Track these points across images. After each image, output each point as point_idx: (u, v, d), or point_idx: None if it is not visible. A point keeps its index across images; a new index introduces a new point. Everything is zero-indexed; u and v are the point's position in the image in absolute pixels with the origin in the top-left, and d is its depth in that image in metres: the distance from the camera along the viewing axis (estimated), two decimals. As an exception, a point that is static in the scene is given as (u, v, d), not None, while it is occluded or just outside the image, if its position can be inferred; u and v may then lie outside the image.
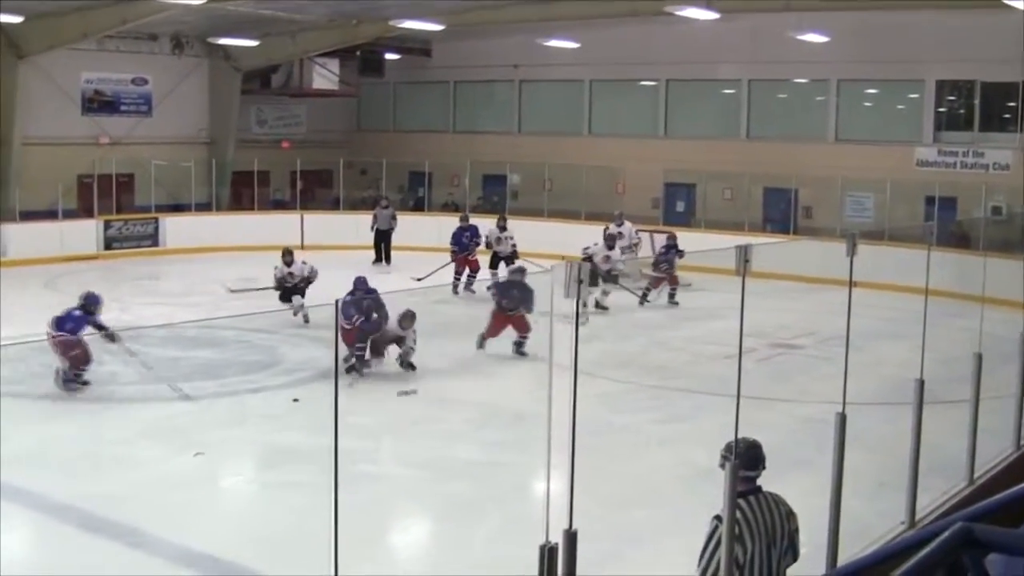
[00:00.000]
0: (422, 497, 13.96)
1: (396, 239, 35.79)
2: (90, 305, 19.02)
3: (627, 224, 31.17)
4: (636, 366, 20.98)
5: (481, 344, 21.34)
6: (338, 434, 5.14)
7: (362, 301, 18.82)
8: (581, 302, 6.45)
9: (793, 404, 16.99)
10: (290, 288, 24.96)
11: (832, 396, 9.20)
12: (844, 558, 8.62)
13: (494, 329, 21.40)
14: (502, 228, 29.86)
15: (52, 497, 13.18)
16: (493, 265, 29.74)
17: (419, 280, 28.96)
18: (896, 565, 3.56)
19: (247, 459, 15.80)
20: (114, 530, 12.23)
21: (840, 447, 8.89)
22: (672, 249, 27.92)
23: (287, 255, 25.60)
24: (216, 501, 13.95)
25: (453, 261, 29.79)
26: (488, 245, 29.92)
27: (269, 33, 39.16)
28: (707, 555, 7.56)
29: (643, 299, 27.50)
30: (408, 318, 19.13)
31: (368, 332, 19.12)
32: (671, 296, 27.92)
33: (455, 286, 29.31)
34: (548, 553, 6.15)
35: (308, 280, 25.16)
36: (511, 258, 29.01)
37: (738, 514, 7.51)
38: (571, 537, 6.23)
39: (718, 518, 7.54)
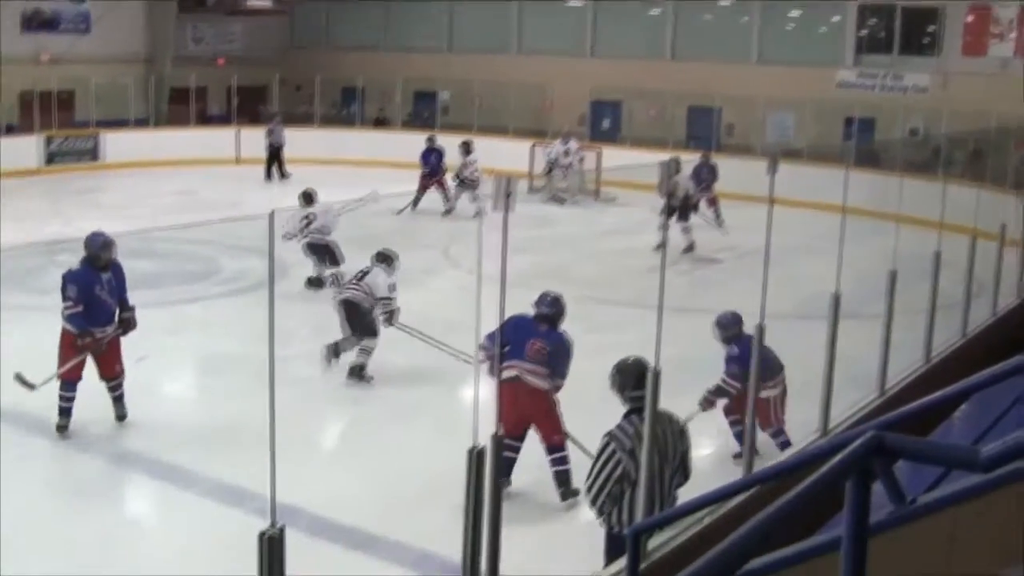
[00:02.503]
0: (357, 402, 14.36)
1: (327, 152, 36.29)
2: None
3: (572, 142, 31.55)
4: (562, 278, 21.28)
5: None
6: (273, 341, 5.42)
7: (92, 276, 12.95)
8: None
9: (713, 316, 17.36)
10: None
11: (751, 309, 9.43)
12: (760, 465, 8.93)
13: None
14: (466, 152, 29.56)
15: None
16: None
17: (400, 211, 28.75)
18: (810, 471, 3.69)
19: (185, 366, 16.16)
20: (51, 432, 12.62)
21: (758, 358, 9.14)
22: (705, 168, 27.41)
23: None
24: (156, 405, 14.27)
25: (423, 180, 29.81)
26: (457, 175, 29.72)
27: (204, -50, 39.05)
28: (595, 471, 7.83)
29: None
30: None
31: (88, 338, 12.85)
32: (719, 217, 26.89)
33: (415, 202, 29.29)
34: (476, 456, 6.30)
35: None
36: (475, 184, 29.15)
37: (630, 430, 7.76)
38: (498, 441, 6.33)
39: (610, 435, 7.82)
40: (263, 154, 36.32)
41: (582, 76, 38.89)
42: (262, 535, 4.55)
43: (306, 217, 19.95)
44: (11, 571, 9.40)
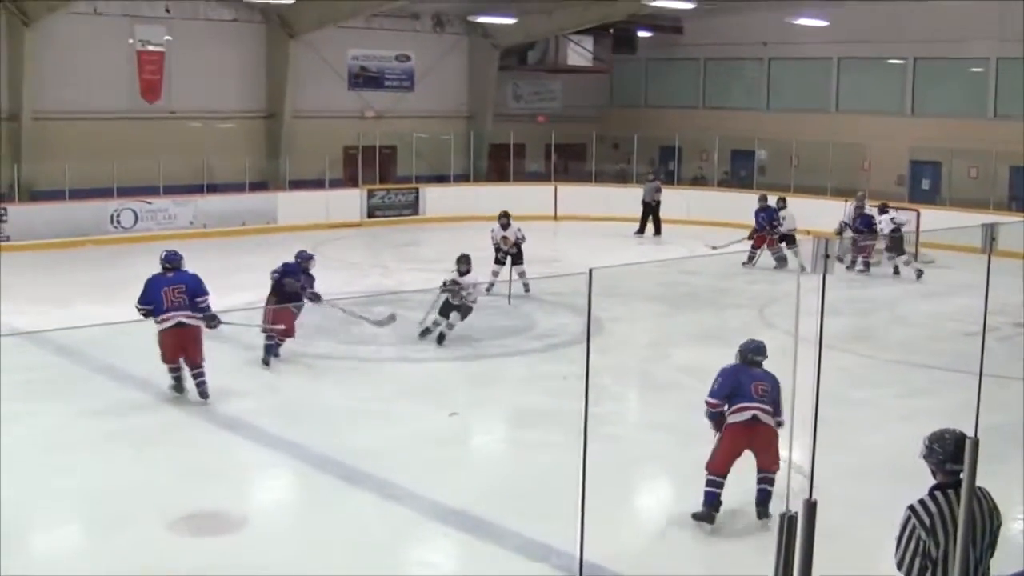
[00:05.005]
0: (664, 461, 14.32)
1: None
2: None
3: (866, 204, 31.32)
4: (876, 341, 21.00)
5: None
6: (588, 396, 5.39)
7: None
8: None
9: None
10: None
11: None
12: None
13: None
14: (780, 207, 30.14)
15: (313, 449, 13.94)
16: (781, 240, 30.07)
17: (714, 248, 29.44)
18: None
19: (498, 419, 16.39)
20: (369, 482, 12.92)
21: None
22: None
23: (503, 217, 25.80)
24: (467, 458, 14.54)
25: (751, 239, 30.06)
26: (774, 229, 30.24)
27: (526, 11, 40.00)
28: (901, 545, 7.38)
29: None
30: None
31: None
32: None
33: (750, 257, 29.57)
34: (788, 522, 6.15)
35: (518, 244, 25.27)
36: (791, 239, 29.53)
37: (933, 508, 7.28)
38: (811, 507, 6.00)
39: (911, 509, 7.36)
40: (580, 211, 36.95)
41: (901, 135, 38.09)
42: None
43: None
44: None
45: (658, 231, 36.06)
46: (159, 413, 15.59)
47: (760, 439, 11.81)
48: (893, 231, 28.64)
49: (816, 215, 31.07)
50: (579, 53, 45.64)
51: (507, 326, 21.48)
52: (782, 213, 29.82)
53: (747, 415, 11.79)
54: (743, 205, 31.21)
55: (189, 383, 16.04)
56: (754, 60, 43.80)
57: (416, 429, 15.06)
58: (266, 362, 18.06)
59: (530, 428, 15.26)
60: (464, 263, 20.84)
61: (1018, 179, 35.94)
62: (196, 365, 15.95)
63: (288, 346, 18.57)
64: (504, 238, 25.38)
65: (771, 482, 11.85)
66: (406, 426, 15.21)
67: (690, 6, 37.61)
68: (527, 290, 24.90)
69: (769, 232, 29.62)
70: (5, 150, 32.44)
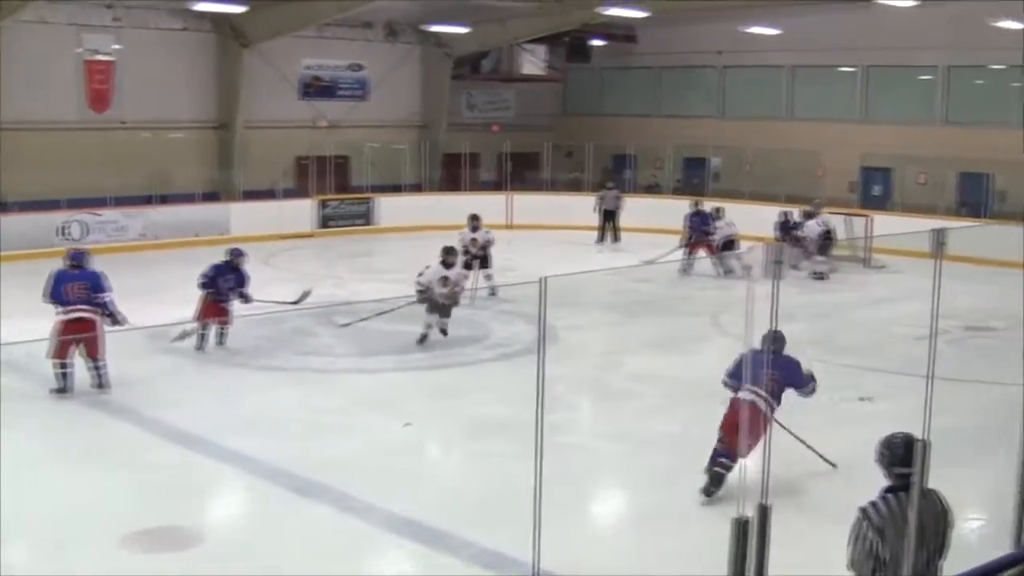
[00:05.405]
0: (619, 468, 14.33)
1: (596, 218, 36.56)
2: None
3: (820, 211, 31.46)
4: (829, 345, 21.05)
5: None
6: (542, 406, 5.37)
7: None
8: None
9: (985, 386, 16.90)
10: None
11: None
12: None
13: None
14: (716, 217, 30.33)
15: (266, 461, 13.86)
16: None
17: (649, 262, 29.49)
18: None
19: (453, 429, 16.28)
20: (324, 494, 12.82)
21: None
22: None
23: (473, 220, 26.88)
24: (422, 469, 14.45)
25: (686, 246, 30.16)
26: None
27: (480, 20, 39.99)
28: (852, 545, 7.44)
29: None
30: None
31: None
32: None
33: (686, 266, 29.73)
34: (742, 527, 6.14)
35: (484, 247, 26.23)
36: (727, 245, 29.68)
37: (883, 509, 7.34)
38: (764, 511, 6.12)
39: (862, 511, 7.42)
40: (540, 219, 37.68)
41: (853, 142, 38.43)
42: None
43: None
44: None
45: (617, 238, 36.23)
46: (109, 428, 15.52)
47: (750, 420, 12.16)
48: (824, 235, 29.09)
49: (769, 223, 31.14)
50: (533, 62, 45.83)
51: (462, 336, 21.41)
52: (718, 223, 30.03)
53: (749, 396, 12.30)
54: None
55: (77, 380, 16.80)
56: (709, 68, 44.02)
57: (371, 440, 15.02)
58: (200, 348, 19.69)
59: (485, 438, 15.17)
60: (453, 254, 21.39)
61: (967, 185, 36.24)
62: (95, 358, 16.93)
63: (240, 351, 18.70)
64: (473, 240, 26.18)
65: (727, 467, 12.39)
66: (361, 437, 15.15)
67: (643, 15, 37.69)
68: (493, 293, 25.54)
69: (700, 238, 29.95)
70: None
